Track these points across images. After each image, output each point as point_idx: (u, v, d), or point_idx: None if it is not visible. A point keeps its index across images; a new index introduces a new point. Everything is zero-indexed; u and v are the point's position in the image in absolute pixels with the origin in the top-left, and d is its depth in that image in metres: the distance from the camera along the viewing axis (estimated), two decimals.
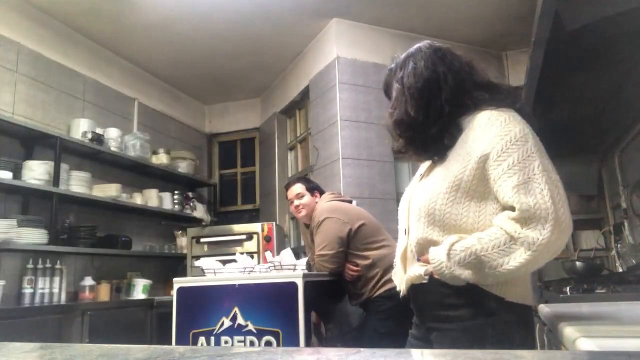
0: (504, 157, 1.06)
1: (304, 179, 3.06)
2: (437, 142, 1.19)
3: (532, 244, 1.02)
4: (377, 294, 2.45)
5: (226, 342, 2.23)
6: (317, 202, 2.74)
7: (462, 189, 1.12)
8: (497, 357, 0.76)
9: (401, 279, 1.30)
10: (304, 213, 2.74)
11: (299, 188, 2.77)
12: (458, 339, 1.12)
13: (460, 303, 1.12)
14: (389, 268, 2.48)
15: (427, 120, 1.19)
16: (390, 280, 2.41)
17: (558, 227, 1.01)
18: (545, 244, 1.01)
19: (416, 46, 1.29)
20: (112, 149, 3.88)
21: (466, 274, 1.07)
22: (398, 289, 1.33)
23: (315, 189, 2.81)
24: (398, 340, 2.41)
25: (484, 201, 1.11)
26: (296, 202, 2.75)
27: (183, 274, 4.05)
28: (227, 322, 2.25)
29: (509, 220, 1.05)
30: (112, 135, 3.95)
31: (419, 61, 1.24)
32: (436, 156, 1.22)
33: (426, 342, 1.24)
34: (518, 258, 1.03)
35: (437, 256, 1.11)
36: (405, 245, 1.26)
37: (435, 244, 1.15)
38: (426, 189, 1.20)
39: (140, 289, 3.80)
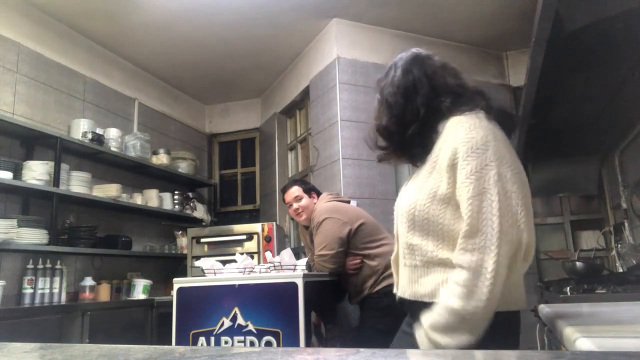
0: (464, 165, 1.08)
1: (299, 180, 3.05)
2: (415, 147, 1.23)
3: (485, 269, 1.02)
4: (376, 289, 2.46)
5: (226, 342, 2.23)
6: (314, 203, 2.74)
7: (438, 196, 1.13)
8: (497, 357, 0.76)
9: (395, 283, 1.33)
10: (304, 217, 2.74)
11: (296, 190, 2.76)
12: None
13: None
14: (389, 264, 2.48)
15: (403, 126, 1.22)
16: (389, 276, 2.42)
17: (505, 241, 1.02)
18: (496, 260, 1.01)
19: (399, 55, 1.31)
20: (112, 149, 3.88)
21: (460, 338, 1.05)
22: (394, 291, 1.34)
23: (311, 190, 2.81)
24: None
25: (459, 208, 1.10)
26: (295, 205, 2.74)
27: (183, 274, 4.04)
28: (227, 322, 2.25)
29: (456, 272, 1.06)
30: (112, 135, 3.95)
31: (397, 69, 1.27)
32: (416, 160, 1.25)
33: (413, 335, 1.23)
34: (482, 291, 1.02)
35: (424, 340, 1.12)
36: (396, 250, 1.29)
37: (416, 248, 1.17)
38: (408, 193, 1.23)
39: (140, 289, 3.79)
